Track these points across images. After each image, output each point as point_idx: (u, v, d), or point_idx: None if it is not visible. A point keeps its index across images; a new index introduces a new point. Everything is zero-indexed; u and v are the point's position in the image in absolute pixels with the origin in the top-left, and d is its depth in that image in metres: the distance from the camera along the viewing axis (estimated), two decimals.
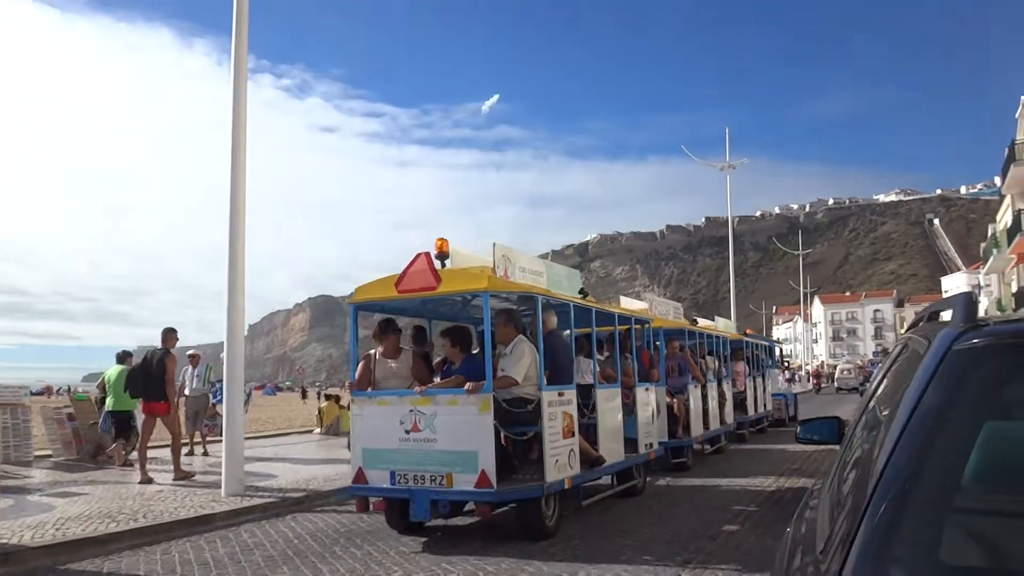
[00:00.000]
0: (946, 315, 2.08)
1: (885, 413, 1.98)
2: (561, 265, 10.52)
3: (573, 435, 8.49)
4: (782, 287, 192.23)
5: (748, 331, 24.88)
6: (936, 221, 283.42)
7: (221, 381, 13.19)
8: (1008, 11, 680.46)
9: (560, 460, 8.03)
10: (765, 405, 21.17)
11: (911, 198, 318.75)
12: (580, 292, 10.06)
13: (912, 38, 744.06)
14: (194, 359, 15.88)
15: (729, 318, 26.10)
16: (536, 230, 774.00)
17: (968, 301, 1.93)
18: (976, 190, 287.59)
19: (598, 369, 9.98)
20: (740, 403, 18.49)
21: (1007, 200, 41.26)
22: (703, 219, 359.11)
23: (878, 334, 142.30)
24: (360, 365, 8.60)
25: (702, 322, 17.19)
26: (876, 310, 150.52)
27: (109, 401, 13.43)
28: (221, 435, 12.09)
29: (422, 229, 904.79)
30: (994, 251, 41.52)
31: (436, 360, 9.34)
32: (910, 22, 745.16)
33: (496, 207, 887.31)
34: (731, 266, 39.88)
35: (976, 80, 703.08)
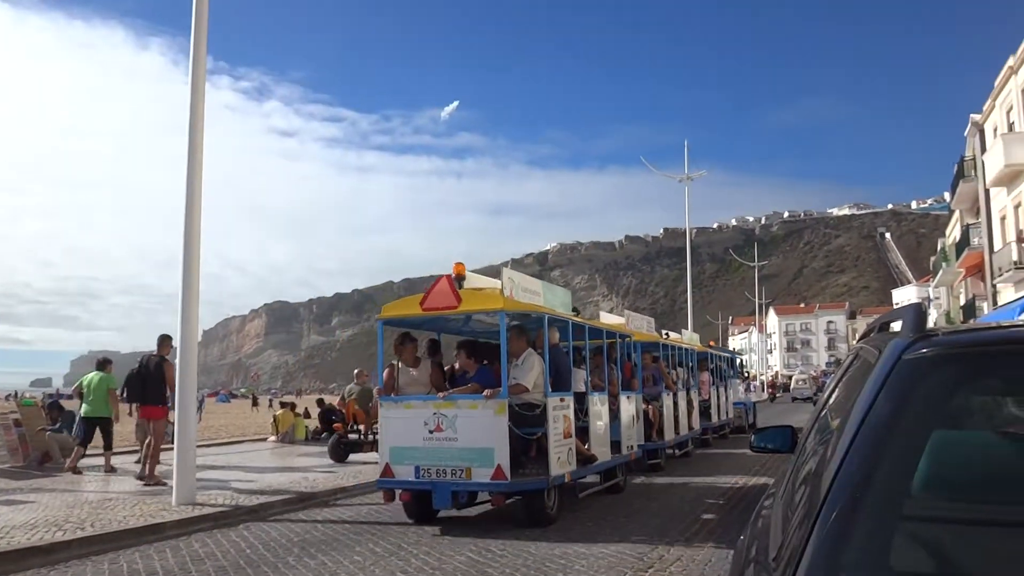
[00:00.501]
0: (896, 326, 2.12)
1: (836, 422, 2.01)
2: (555, 286, 11.40)
3: (571, 436, 9.76)
4: (738, 298, 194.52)
5: (711, 343, 26.07)
6: (888, 235, 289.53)
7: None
8: (960, 30, 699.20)
9: (561, 457, 9.27)
10: (727, 413, 22.64)
11: (863, 212, 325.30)
12: (573, 310, 11.36)
13: (868, 54, 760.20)
14: None
15: (686, 328, 26.48)
16: (496, 238, 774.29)
17: (918, 312, 1.97)
18: (926, 205, 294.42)
19: (589, 378, 11.17)
20: (705, 411, 19.63)
21: (956, 215, 42.29)
22: (661, 230, 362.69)
23: (831, 345, 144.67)
24: (385, 373, 9.81)
25: (671, 335, 17.98)
26: (829, 321, 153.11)
27: (86, 408, 13.44)
28: (172, 443, 11.89)
29: (382, 235, 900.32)
30: (943, 265, 42.47)
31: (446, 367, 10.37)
32: (866, 38, 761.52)
33: (456, 214, 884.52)
34: (688, 277, 40.27)
35: (928, 98, 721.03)
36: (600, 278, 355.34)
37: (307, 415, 24.41)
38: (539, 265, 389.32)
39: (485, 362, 9.99)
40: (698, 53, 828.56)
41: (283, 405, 22.74)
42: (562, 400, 9.63)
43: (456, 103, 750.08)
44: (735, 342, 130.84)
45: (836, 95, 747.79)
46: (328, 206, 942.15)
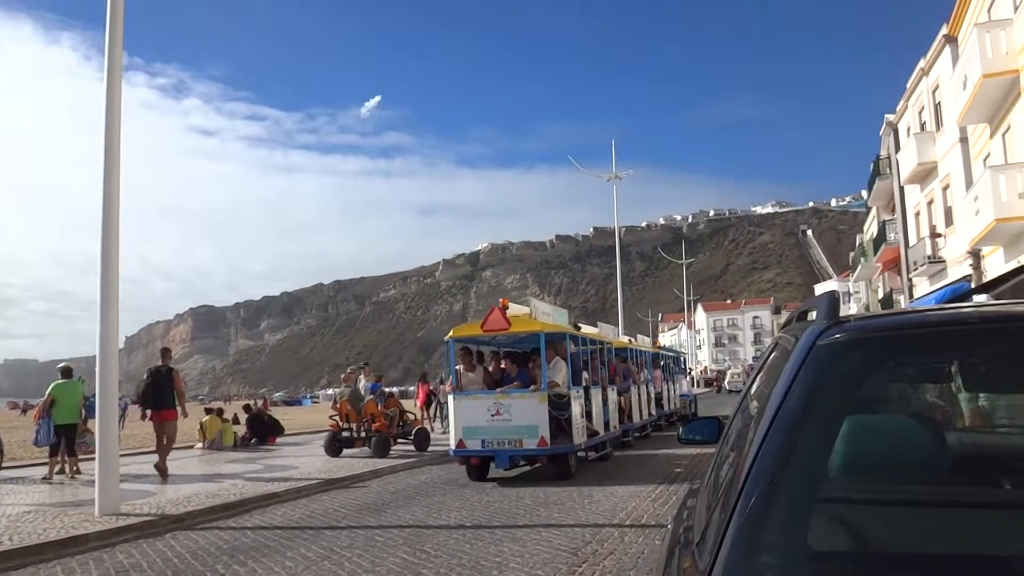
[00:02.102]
0: (813, 315, 2.18)
1: (756, 408, 2.06)
2: (555, 307, 15.68)
3: (584, 417, 13.90)
4: (667, 295, 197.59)
5: (657, 344, 29.49)
6: (809, 232, 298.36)
7: (94, 396, 12.59)
8: (876, 33, 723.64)
9: (579, 432, 13.35)
10: (675, 403, 26.59)
11: (786, 210, 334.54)
12: (574, 325, 15.85)
13: (787, 54, 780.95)
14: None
15: (617, 325, 26.92)
16: (427, 238, 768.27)
17: (831, 300, 2.03)
18: (845, 203, 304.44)
19: (588, 376, 15.24)
20: (658, 401, 23.48)
21: (873, 212, 43.70)
22: (591, 229, 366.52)
23: (757, 340, 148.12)
24: (456, 375, 13.71)
25: (621, 337, 21.83)
26: (755, 317, 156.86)
27: (59, 415, 13.92)
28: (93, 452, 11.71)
29: (310, 236, 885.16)
30: (862, 260, 43.88)
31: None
32: (786, 38, 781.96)
33: (386, 215, 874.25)
34: (618, 275, 40.67)
35: (845, 98, 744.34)
36: (532, 277, 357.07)
37: (235, 421, 23.91)
38: (471, 265, 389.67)
39: (530, 364, 13.78)
40: (624, 51, 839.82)
41: (208, 411, 22.16)
42: (578, 392, 13.81)
43: (378, 98, 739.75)
44: (665, 338, 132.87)
45: (758, 94, 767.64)
46: (253, 207, 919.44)
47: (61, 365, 15.02)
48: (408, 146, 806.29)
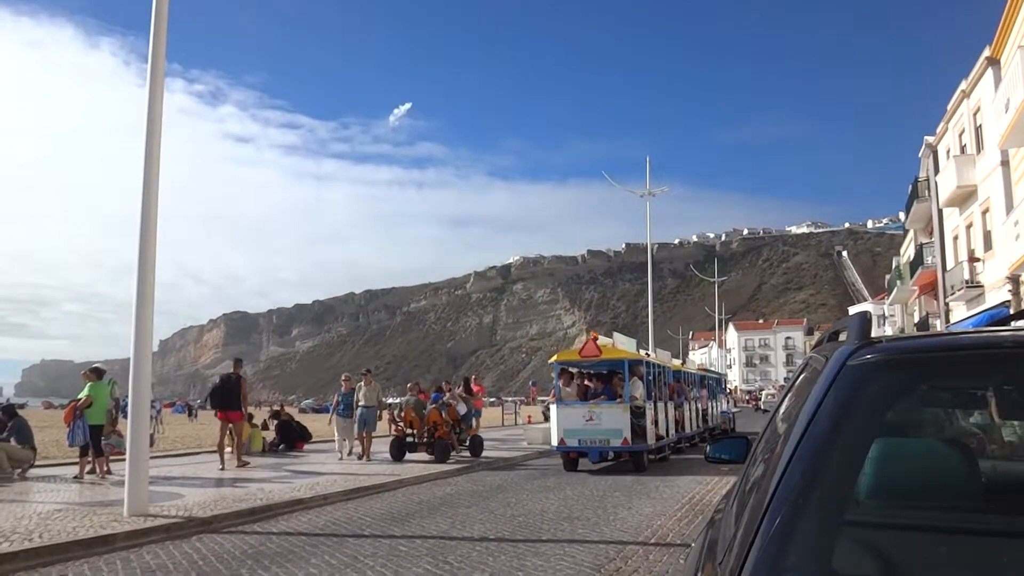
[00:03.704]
0: (845, 335, 2.16)
1: (785, 427, 2.04)
2: (628, 338, 19.22)
3: (652, 424, 17.59)
4: (698, 313, 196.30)
5: (700, 367, 32.85)
6: (844, 253, 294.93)
7: (126, 398, 12.80)
8: (916, 54, 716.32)
9: (650, 435, 17.33)
10: (717, 419, 29.62)
11: (821, 230, 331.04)
12: (646, 352, 20.41)
13: (827, 75, 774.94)
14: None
15: (647, 343, 27.00)
16: (458, 250, 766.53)
17: (863, 321, 2.01)
18: (882, 224, 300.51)
19: (655, 392, 18.75)
20: (703, 416, 26.31)
21: (910, 235, 43.13)
22: (623, 245, 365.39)
23: (789, 361, 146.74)
24: (559, 389, 17.91)
25: (676, 361, 25.18)
26: (787, 337, 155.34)
27: (92, 415, 14.16)
28: (118, 453, 12.01)
29: (341, 245, 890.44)
30: (898, 283, 43.27)
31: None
32: (826, 59, 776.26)
33: (417, 225, 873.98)
34: (650, 292, 40.48)
35: (884, 119, 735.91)
36: (562, 292, 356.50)
37: (264, 427, 24.10)
38: (502, 278, 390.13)
39: (613, 381, 17.71)
40: (659, 67, 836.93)
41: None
42: (650, 405, 17.56)
43: (408, 105, 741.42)
44: (695, 356, 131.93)
45: (794, 114, 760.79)
46: (286, 215, 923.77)
47: (94, 366, 15.23)
48: (440, 157, 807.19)
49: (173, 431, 33.09)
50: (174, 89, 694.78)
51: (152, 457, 13.07)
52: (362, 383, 18.95)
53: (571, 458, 17.13)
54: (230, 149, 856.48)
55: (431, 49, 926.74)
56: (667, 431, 19.48)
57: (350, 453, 18.93)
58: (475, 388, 22.88)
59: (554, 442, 17.32)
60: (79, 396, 14.50)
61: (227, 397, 16.62)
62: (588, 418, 16.55)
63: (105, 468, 14.76)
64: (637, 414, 16.95)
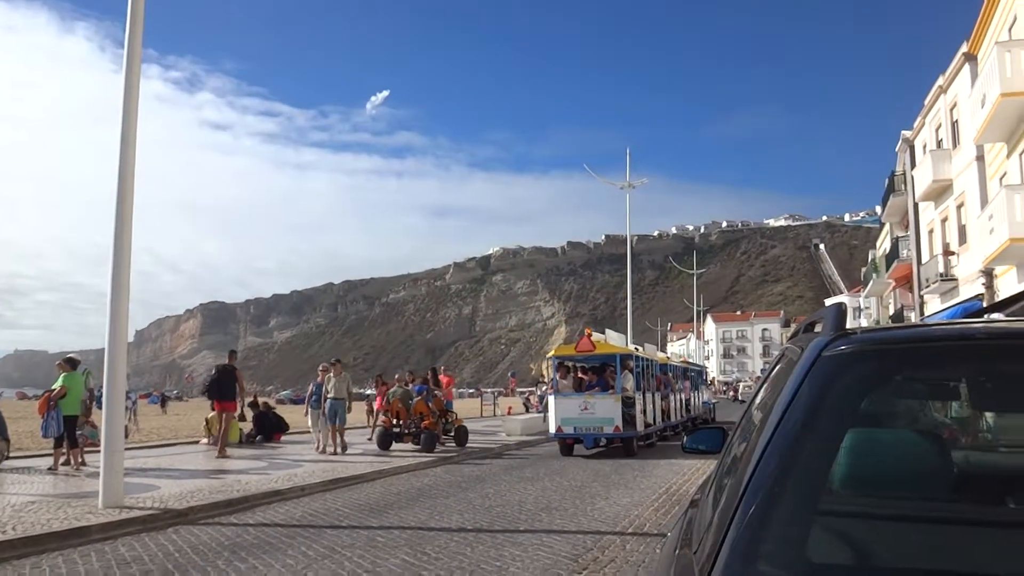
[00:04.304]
0: (821, 327, 2.17)
1: (760, 417, 2.05)
2: (619, 334, 22.03)
3: (641, 413, 19.24)
4: (677, 305, 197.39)
5: (684, 360, 34.79)
6: (821, 246, 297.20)
7: (100, 389, 12.68)
8: (893, 50, 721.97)
9: (640, 423, 18.91)
10: (699, 408, 31.09)
11: (799, 223, 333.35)
12: (635, 346, 22.07)
13: (805, 70, 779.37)
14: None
15: (626, 334, 27.04)
16: (438, 240, 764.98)
17: (838, 312, 2.02)
18: (859, 218, 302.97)
19: (643, 383, 20.14)
20: (686, 406, 27.77)
21: (886, 228, 43.52)
22: (603, 236, 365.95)
23: (766, 352, 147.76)
24: (556, 381, 19.46)
25: (662, 355, 27.77)
26: (764, 329, 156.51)
27: (66, 406, 14.01)
28: (92, 445, 11.87)
29: (320, 235, 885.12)
30: (874, 276, 43.67)
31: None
32: (804, 54, 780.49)
33: (396, 215, 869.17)
34: (629, 283, 40.57)
35: (861, 114, 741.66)
36: (542, 283, 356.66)
37: (242, 418, 23.94)
38: (481, 269, 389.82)
39: (605, 374, 19.25)
40: (641, 61, 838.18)
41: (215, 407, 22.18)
42: (639, 395, 19.13)
43: (386, 93, 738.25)
44: (674, 347, 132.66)
45: (774, 108, 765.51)
46: (264, 204, 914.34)
47: (68, 356, 15.10)
48: (420, 147, 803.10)
49: (148, 422, 32.85)
50: (150, 75, 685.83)
51: (127, 448, 12.96)
52: (331, 374, 18.31)
53: (567, 444, 18.67)
54: (207, 137, 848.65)
55: (411, 38, 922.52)
56: (655, 419, 21.12)
57: (323, 450, 17.93)
58: (443, 379, 22.49)
59: (552, 430, 18.79)
60: (53, 387, 14.34)
61: (223, 388, 17.31)
62: (583, 408, 18.11)
63: (80, 459, 14.63)
64: (628, 404, 18.45)
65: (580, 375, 20.03)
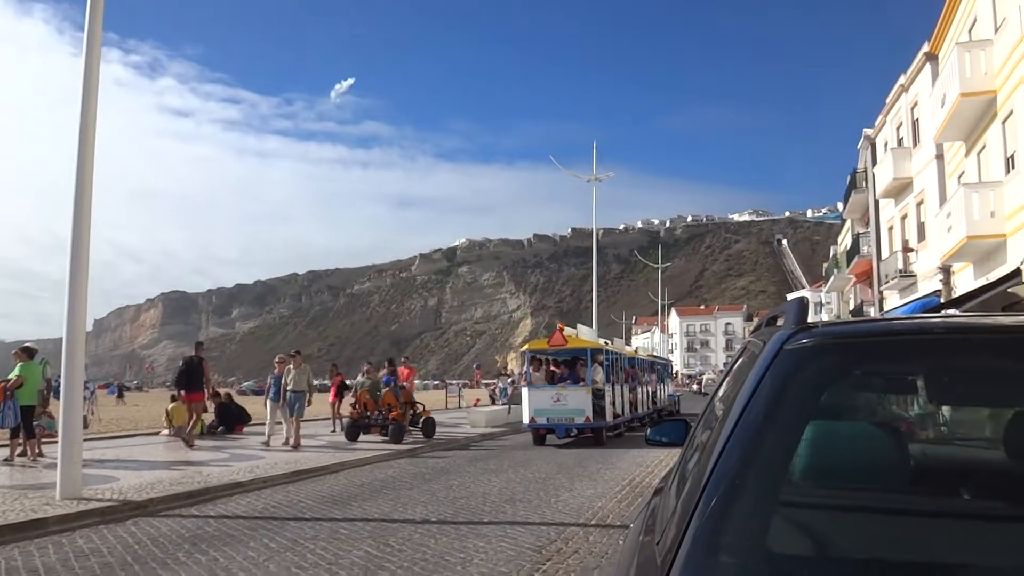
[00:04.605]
0: (783, 320, 2.19)
1: (723, 410, 2.07)
2: (590, 329, 23.01)
3: (612, 405, 20.16)
4: (642, 298, 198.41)
5: (651, 354, 35.97)
6: (784, 242, 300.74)
7: (58, 379, 12.49)
8: (857, 48, 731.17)
9: (609, 414, 19.78)
10: (665, 400, 32.04)
11: (762, 219, 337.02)
12: (605, 341, 22.80)
13: (771, 67, 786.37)
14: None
15: (591, 326, 27.16)
16: (403, 231, 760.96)
17: (800, 306, 2.04)
18: (821, 214, 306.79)
19: (612, 376, 21.04)
20: (653, 399, 28.64)
21: (848, 224, 44.18)
22: (569, 229, 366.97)
23: (729, 346, 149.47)
24: (529, 374, 20.12)
25: (630, 349, 29.33)
26: (728, 323, 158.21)
27: (23, 396, 13.73)
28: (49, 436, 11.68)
29: (284, 224, 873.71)
30: (835, 271, 44.33)
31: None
32: (771, 51, 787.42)
33: (362, 205, 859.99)
34: (595, 276, 40.64)
35: (827, 110, 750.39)
36: (508, 275, 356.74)
37: (204, 408, 23.66)
38: (447, 261, 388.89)
39: (576, 367, 19.82)
40: (608, 53, 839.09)
41: (174, 398, 21.90)
42: (608, 388, 20.01)
43: (351, 81, 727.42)
44: (638, 340, 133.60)
45: (740, 103, 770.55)
46: (227, 192, 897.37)
47: (25, 345, 14.81)
48: (386, 136, 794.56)
49: (107, 413, 32.35)
50: (110, 59, 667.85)
51: (86, 439, 12.76)
52: (291, 365, 17.77)
53: (540, 434, 19.47)
54: (169, 123, 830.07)
55: (378, 27, 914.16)
56: (623, 411, 21.94)
57: (284, 443, 17.24)
58: (403, 371, 22.15)
59: (525, 420, 19.50)
60: (9, 376, 14.04)
61: (191, 379, 17.26)
62: (556, 399, 18.92)
63: (37, 450, 14.41)
64: (598, 396, 19.33)
65: (552, 368, 20.80)
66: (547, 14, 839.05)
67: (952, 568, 1.51)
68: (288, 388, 17.46)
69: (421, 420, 20.01)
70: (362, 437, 18.89)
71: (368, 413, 19.35)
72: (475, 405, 36.04)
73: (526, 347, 21.38)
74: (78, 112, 10.23)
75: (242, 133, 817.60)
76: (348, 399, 25.43)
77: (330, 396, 24.25)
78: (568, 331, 20.35)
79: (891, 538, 1.62)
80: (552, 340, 19.95)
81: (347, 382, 25.93)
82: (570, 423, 18.97)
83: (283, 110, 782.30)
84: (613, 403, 20.49)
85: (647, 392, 27.29)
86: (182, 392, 17.72)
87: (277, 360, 18.67)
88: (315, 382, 20.15)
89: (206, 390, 18.10)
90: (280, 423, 18.01)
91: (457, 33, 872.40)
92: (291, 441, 17.21)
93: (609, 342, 23.23)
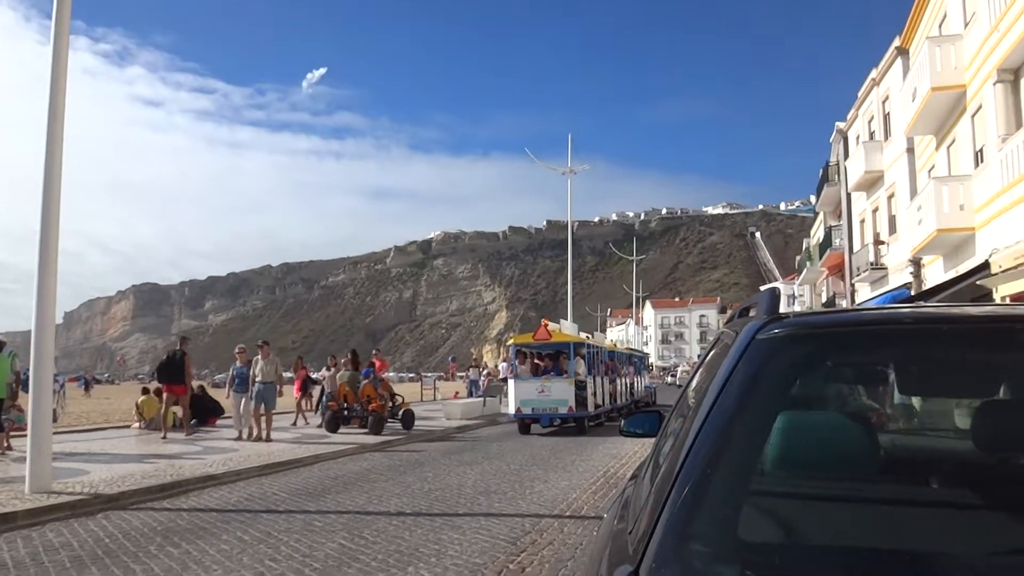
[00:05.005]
0: (755, 311, 2.20)
1: (695, 400, 2.08)
2: (572, 324, 24.17)
3: (593, 395, 21.19)
4: (617, 291, 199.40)
5: (628, 347, 36.86)
6: (758, 235, 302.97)
7: (27, 372, 12.27)
8: (829, 43, 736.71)
9: (590, 404, 20.85)
10: (641, 392, 33.05)
11: (736, 212, 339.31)
12: (587, 335, 23.42)
13: (745, 60, 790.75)
14: None
15: (567, 319, 27.25)
16: (378, 223, 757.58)
17: (772, 297, 2.06)
18: (794, 207, 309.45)
19: (594, 369, 22.06)
20: (630, 390, 29.70)
21: (820, 217, 44.55)
22: (544, 222, 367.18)
23: (703, 338, 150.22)
24: (515, 367, 21.38)
25: (609, 342, 30.64)
26: (702, 315, 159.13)
27: None
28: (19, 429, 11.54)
29: (257, 216, 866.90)
30: (808, 264, 44.71)
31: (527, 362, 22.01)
32: (744, 45, 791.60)
33: (336, 197, 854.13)
34: (569, 269, 40.71)
35: (798, 105, 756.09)
36: (483, 268, 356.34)
37: (175, 402, 23.41)
38: (422, 253, 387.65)
39: (559, 360, 21.01)
40: (583, 45, 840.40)
41: (146, 391, 21.66)
42: (590, 379, 21.08)
43: (323, 70, 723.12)
44: (613, 333, 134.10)
45: (714, 97, 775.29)
46: (199, 183, 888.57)
47: None
48: (360, 127, 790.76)
49: (78, 406, 31.97)
50: (78, 47, 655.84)
51: (56, 433, 12.59)
52: (259, 356, 17.42)
53: (525, 424, 20.57)
54: (139, 113, 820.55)
55: (351, 17, 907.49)
56: (603, 401, 23.01)
57: (249, 436, 17.09)
58: (376, 363, 21.91)
59: (511, 411, 20.78)
60: None
61: (173, 372, 17.49)
62: (540, 390, 20.07)
63: (5, 444, 14.24)
64: (580, 387, 20.49)
65: (536, 361, 21.88)
66: (523, 5, 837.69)
67: (921, 555, 1.52)
68: (257, 379, 17.13)
69: (400, 412, 20.06)
70: (342, 429, 19.11)
71: (347, 405, 19.62)
72: (454, 397, 36.00)
73: (511, 341, 22.89)
74: (46, 101, 10.06)
75: (215, 124, 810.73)
76: (314, 392, 25.38)
77: (295, 391, 24.15)
78: (552, 326, 21.56)
79: (860, 526, 1.64)
80: (537, 335, 21.10)
81: (312, 376, 25.71)
82: (554, 413, 20.02)
83: (256, 100, 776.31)
84: (594, 394, 21.43)
85: (625, 384, 28.34)
86: (163, 384, 17.74)
87: (237, 351, 18.28)
88: (285, 374, 19.88)
89: (187, 384, 18.14)
90: (244, 418, 17.63)
91: (434, 23, 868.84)
92: (261, 434, 16.97)
93: (590, 336, 24.09)
